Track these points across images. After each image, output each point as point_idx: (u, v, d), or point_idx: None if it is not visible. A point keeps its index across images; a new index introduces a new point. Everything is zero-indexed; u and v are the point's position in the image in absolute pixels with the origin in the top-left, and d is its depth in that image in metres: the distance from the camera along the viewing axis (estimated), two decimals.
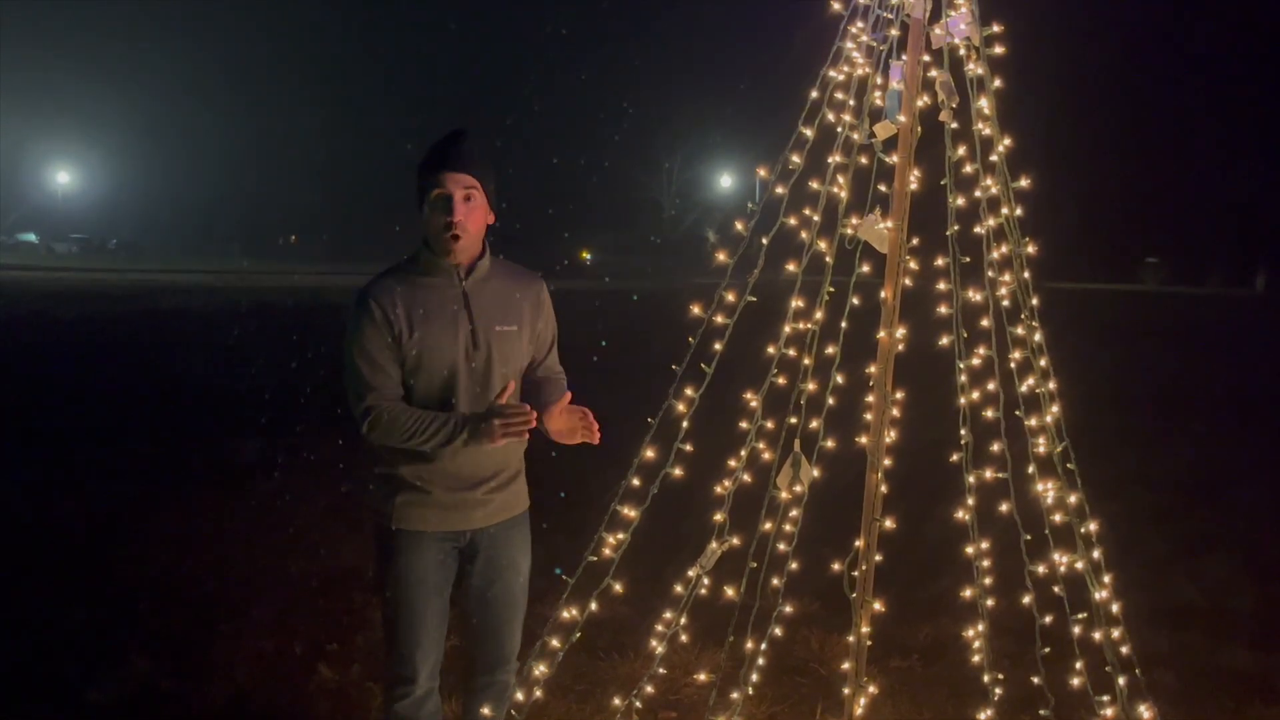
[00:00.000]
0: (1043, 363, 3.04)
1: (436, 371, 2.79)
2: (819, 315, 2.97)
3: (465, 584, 2.98)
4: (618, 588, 3.02)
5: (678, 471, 2.99)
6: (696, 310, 2.98)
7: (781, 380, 3.01)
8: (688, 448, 2.97)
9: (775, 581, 3.03)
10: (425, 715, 2.98)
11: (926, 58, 2.88)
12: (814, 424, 2.98)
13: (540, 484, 3.08)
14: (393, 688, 2.95)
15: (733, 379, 3.16)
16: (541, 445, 2.96)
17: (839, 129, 2.97)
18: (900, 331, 2.93)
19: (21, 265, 42.90)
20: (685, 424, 2.95)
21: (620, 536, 3.03)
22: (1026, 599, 2.98)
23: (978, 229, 2.95)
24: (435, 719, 3.04)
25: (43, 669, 4.32)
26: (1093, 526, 3.11)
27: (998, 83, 2.91)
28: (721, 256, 2.97)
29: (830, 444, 2.99)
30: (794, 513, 3.01)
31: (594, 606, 3.06)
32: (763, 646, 3.12)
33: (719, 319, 2.98)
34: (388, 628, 2.96)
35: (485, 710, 3.02)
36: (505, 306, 2.86)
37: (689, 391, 2.95)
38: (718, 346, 2.95)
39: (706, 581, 3.05)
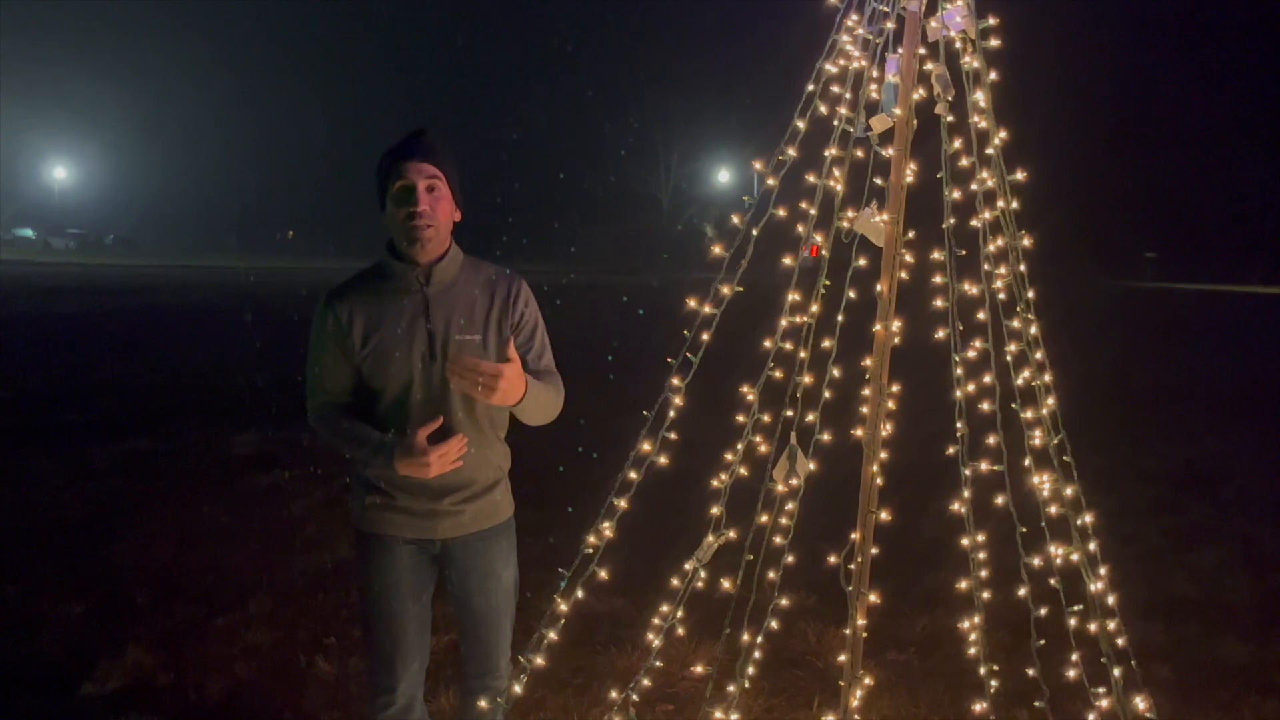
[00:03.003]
0: (1039, 355, 3.04)
1: (392, 380, 2.72)
2: (815, 309, 2.96)
3: (448, 592, 2.94)
4: (603, 574, 3.01)
5: (664, 460, 2.97)
6: (692, 304, 2.98)
7: (778, 374, 3.00)
8: (672, 436, 2.95)
9: (771, 575, 3.02)
10: None
11: (922, 51, 2.87)
12: (810, 417, 2.98)
13: (547, 493, 3.08)
14: (374, 698, 2.89)
15: (729, 373, 3.16)
16: (550, 459, 2.97)
17: (835, 122, 2.96)
18: (896, 325, 2.93)
19: (19, 260, 42.84)
20: (671, 413, 2.94)
21: (608, 525, 3.02)
22: (1022, 591, 2.98)
23: (974, 222, 2.94)
24: None
25: (41, 662, 4.33)
26: (1089, 519, 3.11)
27: (994, 76, 2.91)
28: (717, 250, 2.96)
29: (826, 437, 2.99)
30: (790, 506, 3.01)
31: (580, 593, 3.05)
32: (759, 639, 3.12)
33: (707, 309, 2.96)
34: (366, 635, 2.90)
35: (481, 704, 3.01)
36: (469, 314, 2.75)
37: (675, 381, 2.94)
38: (705, 337, 2.93)
39: (703, 575, 3.05)
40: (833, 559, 2.98)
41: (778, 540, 3.01)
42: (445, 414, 2.71)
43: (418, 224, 2.66)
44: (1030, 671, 3.00)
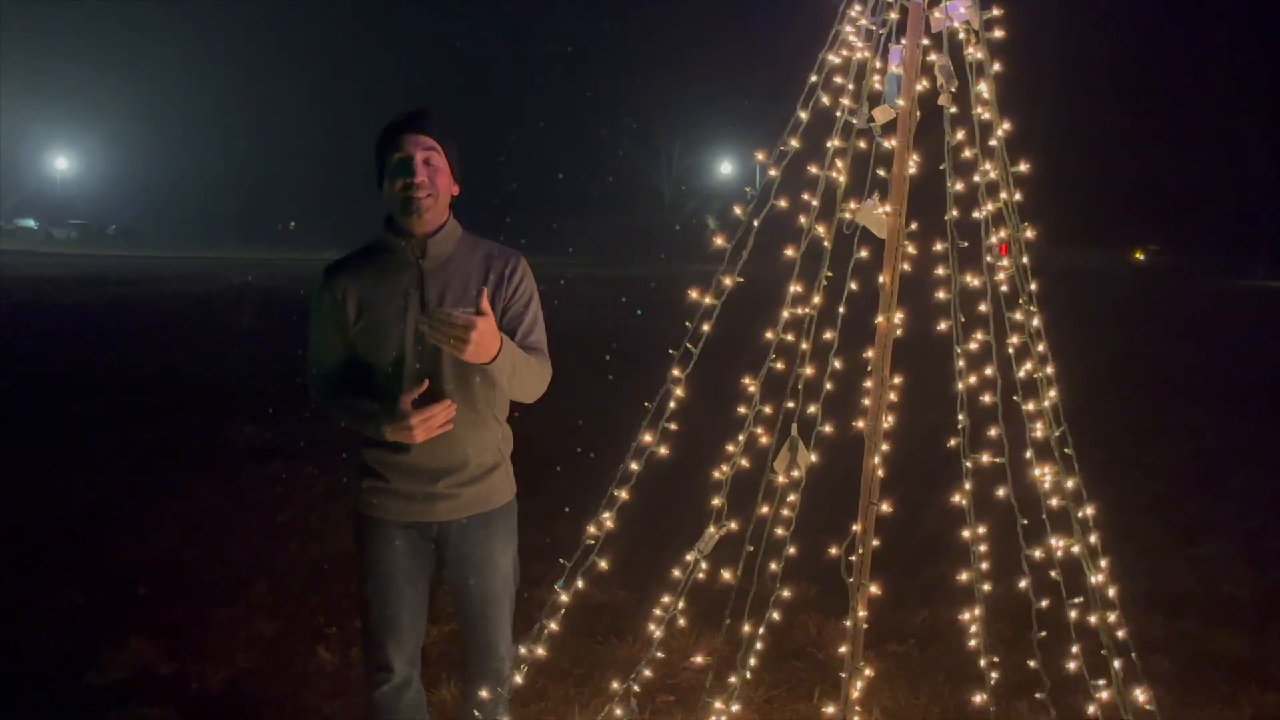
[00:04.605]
0: (1041, 348, 3.04)
1: (384, 354, 2.72)
2: (817, 300, 2.95)
3: (445, 576, 2.94)
4: (603, 565, 3.01)
5: (665, 450, 2.97)
6: (694, 295, 2.97)
7: (779, 365, 3.00)
8: (673, 426, 2.95)
9: (773, 566, 3.03)
10: (406, 704, 2.93)
11: (926, 41, 2.86)
12: (812, 409, 2.98)
13: (546, 484, 3.07)
14: (371, 675, 2.91)
15: (731, 364, 3.15)
16: (550, 451, 2.96)
17: (837, 113, 2.95)
18: (898, 316, 2.92)
19: (20, 250, 42.86)
20: (671, 404, 2.94)
21: (609, 515, 3.02)
22: (1023, 583, 2.98)
23: (976, 214, 2.93)
24: (417, 708, 3.00)
25: (44, 652, 4.34)
26: (1090, 511, 3.11)
27: (997, 67, 2.90)
28: (719, 241, 2.95)
29: (828, 429, 2.99)
30: (791, 497, 3.01)
31: (581, 584, 3.05)
32: (760, 631, 3.13)
33: (708, 300, 2.95)
34: (363, 616, 2.92)
35: (482, 693, 3.01)
36: (463, 289, 2.74)
37: (675, 372, 2.94)
38: (706, 328, 2.93)
39: (704, 566, 3.05)
40: (834, 551, 2.98)
41: (779, 532, 3.02)
42: (438, 389, 2.70)
43: (415, 194, 2.66)
44: (1031, 663, 3.01)
